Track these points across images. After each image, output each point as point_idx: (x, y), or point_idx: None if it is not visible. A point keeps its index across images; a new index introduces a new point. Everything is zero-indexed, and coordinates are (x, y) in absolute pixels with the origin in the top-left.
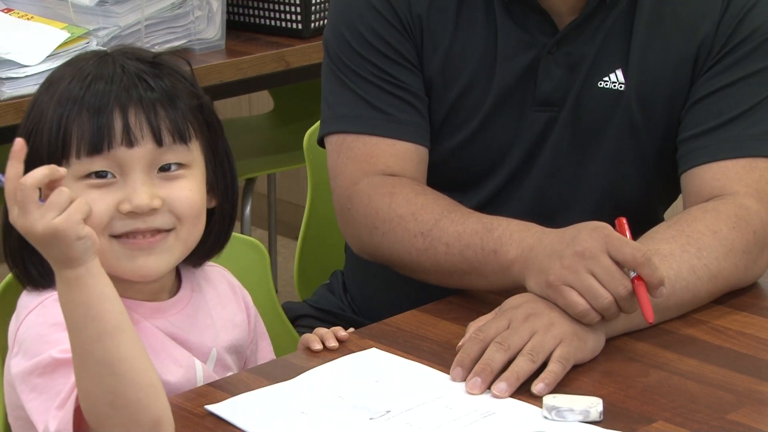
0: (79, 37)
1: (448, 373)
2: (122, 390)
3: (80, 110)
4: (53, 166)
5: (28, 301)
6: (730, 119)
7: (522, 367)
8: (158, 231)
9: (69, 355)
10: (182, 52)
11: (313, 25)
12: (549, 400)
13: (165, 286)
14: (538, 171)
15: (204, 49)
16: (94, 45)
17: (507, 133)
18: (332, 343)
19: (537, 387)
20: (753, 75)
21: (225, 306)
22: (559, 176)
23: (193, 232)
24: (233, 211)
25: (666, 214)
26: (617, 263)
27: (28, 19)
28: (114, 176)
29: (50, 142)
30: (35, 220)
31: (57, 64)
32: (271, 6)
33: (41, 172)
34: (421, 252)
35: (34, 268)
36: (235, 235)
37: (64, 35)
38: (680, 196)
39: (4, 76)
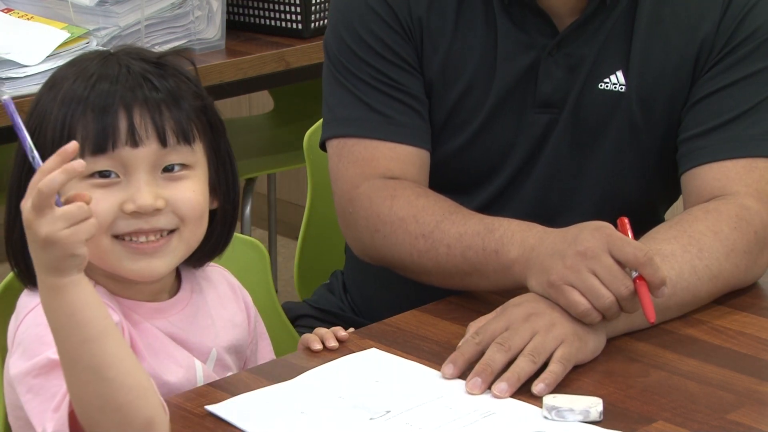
0: (79, 37)
1: None
2: (111, 394)
3: (85, 110)
4: (70, 165)
5: (27, 301)
6: (731, 119)
7: (523, 367)
8: (161, 232)
9: None
10: (186, 52)
11: (313, 25)
12: (549, 400)
13: (165, 286)
14: (538, 172)
15: (204, 49)
16: (94, 45)
17: (507, 134)
18: (332, 343)
19: (537, 387)
20: (753, 75)
21: (225, 306)
22: (560, 177)
23: (195, 233)
24: (235, 212)
25: (666, 215)
26: (619, 263)
27: (28, 19)
28: (118, 176)
29: (54, 141)
30: (43, 223)
31: (57, 64)
32: (271, 6)
33: (59, 178)
34: (422, 254)
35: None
36: (236, 235)
37: (64, 35)
38: (681, 197)
39: (4, 76)
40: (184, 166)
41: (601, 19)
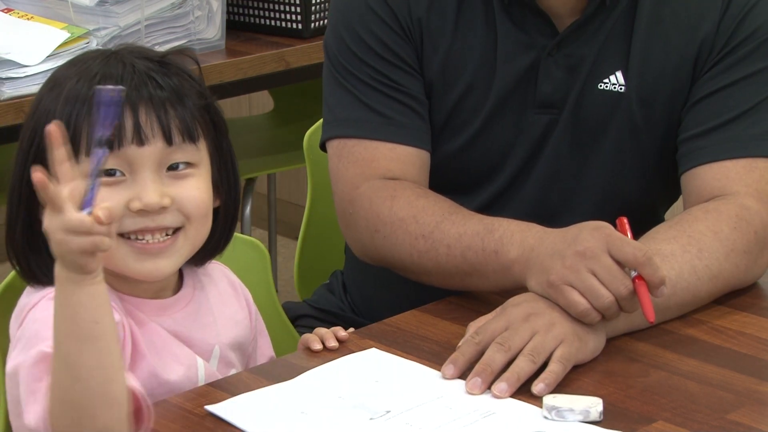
0: (79, 37)
1: None
2: (74, 391)
3: (89, 109)
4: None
5: (29, 299)
6: (731, 119)
7: (522, 367)
8: (167, 230)
9: None
10: (189, 51)
11: (313, 25)
12: (549, 400)
13: (169, 284)
14: (539, 173)
15: (204, 49)
16: (94, 45)
17: (508, 135)
18: (332, 343)
19: (537, 387)
20: (753, 75)
21: (226, 303)
22: (560, 178)
23: (200, 231)
24: (236, 210)
25: (666, 215)
26: (618, 263)
27: (28, 19)
28: (123, 174)
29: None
30: (54, 223)
31: (57, 64)
32: (271, 6)
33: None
34: (422, 254)
35: (37, 266)
36: (236, 234)
37: (64, 35)
38: (681, 197)
39: (4, 76)
40: (188, 164)
41: (600, 20)
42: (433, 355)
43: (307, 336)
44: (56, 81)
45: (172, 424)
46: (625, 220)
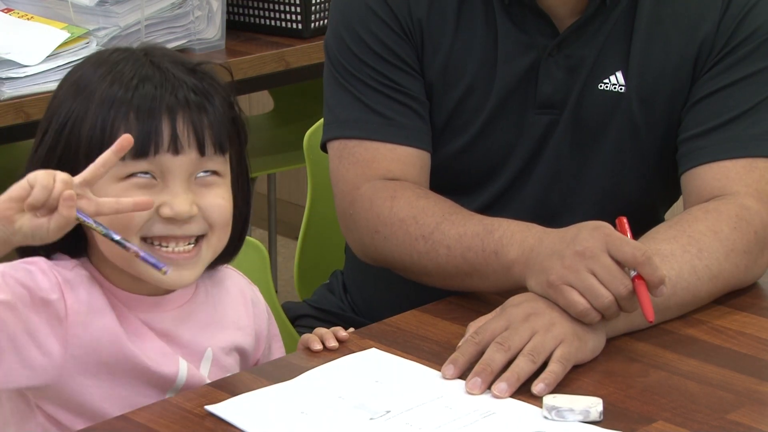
0: (79, 37)
1: None
2: None
3: (127, 112)
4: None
5: None
6: (731, 119)
7: (522, 367)
8: (190, 239)
9: None
10: (220, 64)
11: (313, 25)
12: (549, 400)
13: None
14: (539, 173)
15: (204, 49)
16: (94, 45)
17: (508, 135)
18: (332, 343)
19: (537, 387)
20: (753, 75)
21: (230, 307)
22: (561, 178)
23: (222, 240)
24: (247, 219)
25: (666, 215)
26: (618, 262)
27: (28, 19)
28: (154, 179)
29: (91, 143)
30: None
31: (57, 64)
32: (271, 6)
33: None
34: (422, 255)
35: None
36: None
37: (64, 35)
38: (681, 197)
39: (4, 76)
40: (213, 172)
41: (601, 20)
42: (433, 355)
43: (307, 336)
44: (83, 83)
45: (172, 424)
46: (625, 220)
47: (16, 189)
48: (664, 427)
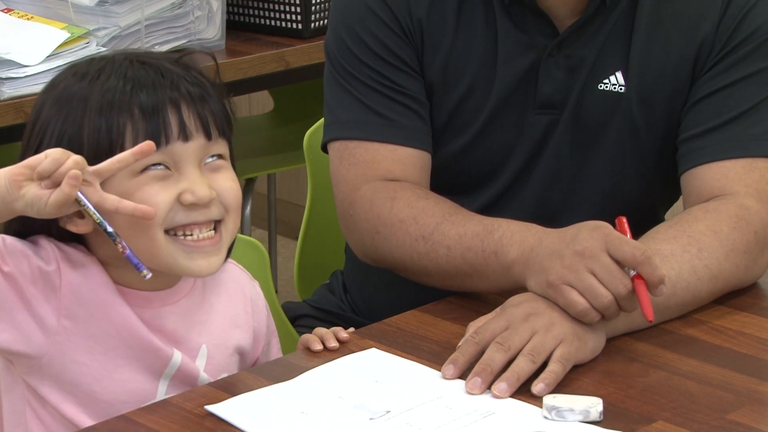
0: (79, 37)
1: None
2: None
3: (131, 113)
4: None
5: None
6: (731, 119)
7: (522, 367)
8: (211, 224)
9: None
10: (202, 49)
11: (313, 25)
12: (549, 400)
13: (170, 280)
14: (540, 173)
15: (204, 50)
16: (94, 45)
17: (508, 136)
18: (332, 344)
19: (537, 387)
20: (753, 75)
21: (229, 305)
22: (561, 178)
23: (237, 223)
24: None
25: (666, 215)
26: (617, 262)
27: (28, 19)
28: (168, 169)
29: (99, 146)
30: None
31: (57, 64)
32: (271, 6)
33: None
34: (422, 255)
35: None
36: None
37: (64, 35)
38: (681, 197)
39: (4, 76)
40: (219, 156)
41: (600, 20)
42: (433, 355)
43: (307, 336)
44: (68, 95)
45: (172, 424)
46: (624, 220)
47: (33, 158)
48: (664, 427)
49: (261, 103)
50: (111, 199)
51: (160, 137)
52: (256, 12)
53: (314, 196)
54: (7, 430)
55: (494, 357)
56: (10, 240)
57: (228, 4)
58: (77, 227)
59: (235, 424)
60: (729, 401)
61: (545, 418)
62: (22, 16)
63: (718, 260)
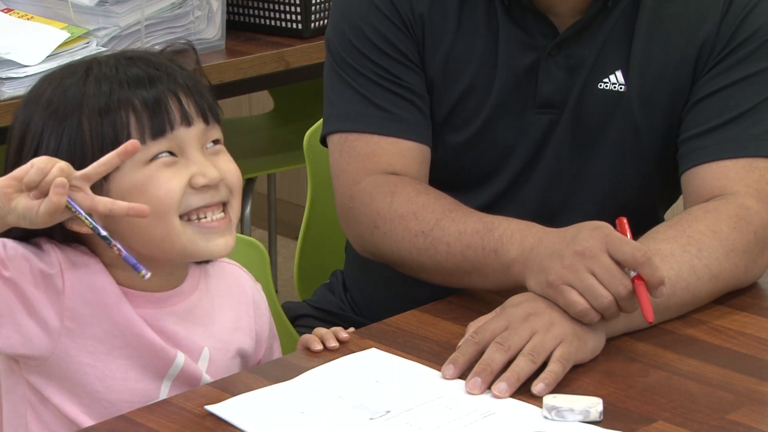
0: (79, 37)
1: None
2: None
3: (134, 107)
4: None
5: None
6: (731, 119)
7: (522, 367)
8: (220, 206)
9: None
10: (184, 45)
11: (313, 25)
12: (549, 400)
13: (172, 280)
14: (540, 173)
15: (204, 49)
16: (94, 45)
17: (509, 135)
18: (332, 344)
19: (537, 387)
20: (754, 75)
21: (230, 307)
22: (561, 178)
23: (240, 205)
24: None
25: (666, 215)
26: (617, 263)
27: (28, 19)
28: (175, 155)
29: (104, 142)
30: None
31: (57, 64)
32: (271, 6)
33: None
34: (422, 251)
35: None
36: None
37: (64, 35)
38: (681, 197)
39: (4, 76)
40: (216, 141)
41: (601, 20)
42: (433, 355)
43: (306, 336)
44: (57, 101)
45: (172, 424)
46: (625, 220)
47: (19, 169)
48: (664, 427)
49: (261, 103)
50: (104, 202)
51: (164, 126)
52: (256, 12)
53: (314, 196)
54: (7, 430)
55: (494, 357)
56: (11, 244)
57: (228, 4)
58: (81, 227)
59: (235, 424)
60: (729, 401)
61: (545, 418)
62: (22, 16)
63: (718, 260)
